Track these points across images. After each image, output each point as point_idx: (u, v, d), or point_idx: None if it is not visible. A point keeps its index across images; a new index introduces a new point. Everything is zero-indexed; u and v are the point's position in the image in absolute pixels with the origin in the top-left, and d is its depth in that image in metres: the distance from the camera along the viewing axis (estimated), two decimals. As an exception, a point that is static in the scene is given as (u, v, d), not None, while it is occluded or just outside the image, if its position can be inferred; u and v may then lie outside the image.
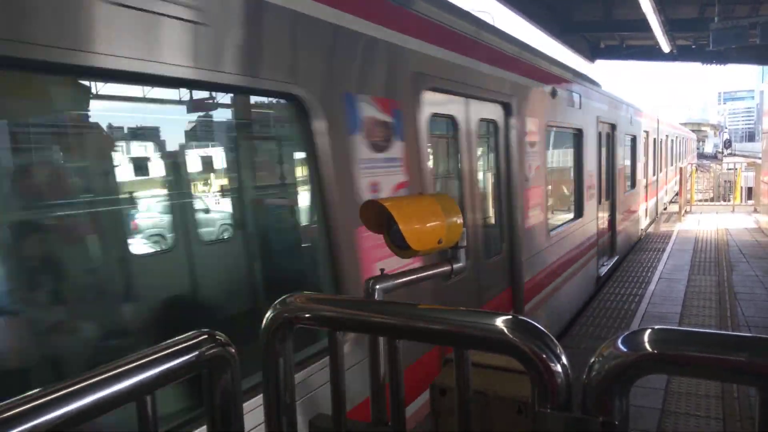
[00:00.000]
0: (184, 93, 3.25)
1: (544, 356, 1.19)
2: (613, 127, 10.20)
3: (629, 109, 12.07)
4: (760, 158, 18.45)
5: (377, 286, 2.15)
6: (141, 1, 2.02)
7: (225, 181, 4.28)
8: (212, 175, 4.33)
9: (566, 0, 12.47)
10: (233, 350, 1.38)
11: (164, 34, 2.13)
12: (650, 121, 15.43)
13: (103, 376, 1.11)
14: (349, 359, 2.29)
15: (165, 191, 4.05)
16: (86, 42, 1.88)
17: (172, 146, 3.90)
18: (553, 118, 6.70)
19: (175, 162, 3.91)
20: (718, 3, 10.63)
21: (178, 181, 4.01)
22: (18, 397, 1.00)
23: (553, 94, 6.64)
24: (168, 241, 4.08)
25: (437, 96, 4.11)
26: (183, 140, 3.89)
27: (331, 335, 1.68)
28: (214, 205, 4.45)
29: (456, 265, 2.46)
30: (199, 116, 3.73)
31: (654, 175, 16.57)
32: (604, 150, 9.54)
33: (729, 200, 20.70)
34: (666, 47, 12.89)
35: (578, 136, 7.97)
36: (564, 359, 1.20)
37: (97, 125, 3.12)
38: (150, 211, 4.05)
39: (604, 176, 9.61)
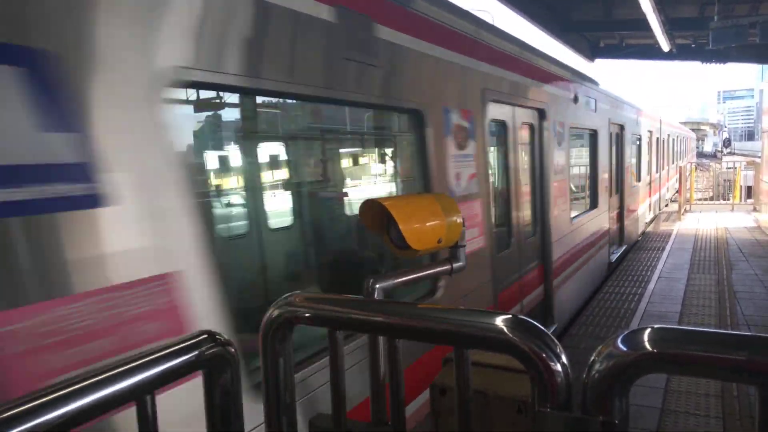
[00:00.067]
0: (368, 112, 4.55)
1: (544, 355, 1.19)
2: (621, 127, 11.01)
3: (635, 110, 12.74)
4: (759, 157, 18.46)
5: (377, 286, 2.15)
6: (363, 56, 3.23)
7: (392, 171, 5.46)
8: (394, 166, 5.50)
9: (566, 0, 12.45)
10: (233, 350, 1.37)
11: (366, 77, 3.30)
12: (653, 121, 15.93)
13: (103, 376, 1.11)
14: (348, 359, 2.29)
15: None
16: (339, 87, 3.10)
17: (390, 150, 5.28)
18: (575, 121, 7.62)
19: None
20: (717, 2, 10.60)
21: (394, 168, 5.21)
22: (18, 398, 1.00)
23: (575, 99, 7.62)
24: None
25: (496, 105, 5.12)
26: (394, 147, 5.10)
27: (331, 335, 1.68)
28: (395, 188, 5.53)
29: (456, 264, 2.46)
30: (375, 128, 5.01)
31: (657, 172, 17.23)
32: (614, 148, 10.45)
33: (728, 199, 20.65)
34: (666, 46, 12.87)
35: (594, 136, 8.91)
36: (564, 358, 1.20)
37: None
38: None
39: (614, 172, 10.49)
